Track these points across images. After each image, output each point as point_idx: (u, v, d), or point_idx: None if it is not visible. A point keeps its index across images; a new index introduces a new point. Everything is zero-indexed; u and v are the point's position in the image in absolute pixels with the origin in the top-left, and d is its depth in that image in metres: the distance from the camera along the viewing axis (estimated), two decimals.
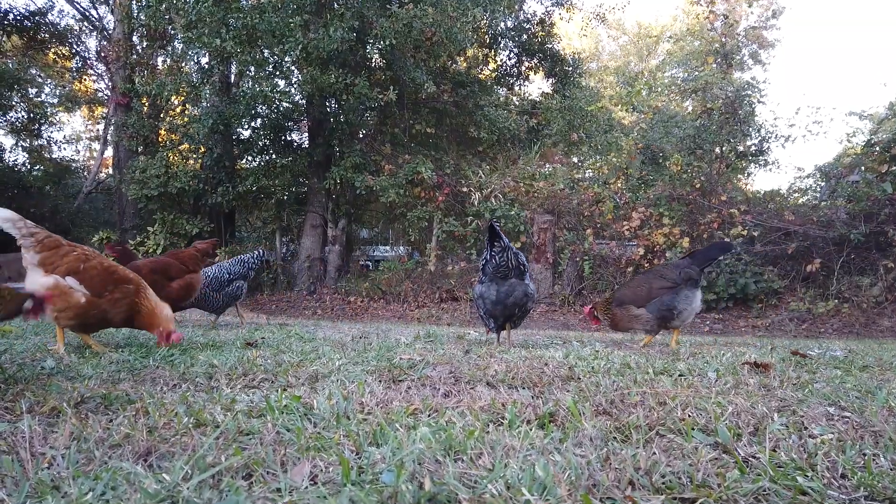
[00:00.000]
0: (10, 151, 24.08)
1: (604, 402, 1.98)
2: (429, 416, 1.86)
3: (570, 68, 18.38)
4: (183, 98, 16.60)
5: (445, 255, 14.50)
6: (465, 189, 14.62)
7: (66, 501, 1.19)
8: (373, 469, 1.38)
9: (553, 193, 13.88)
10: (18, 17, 20.55)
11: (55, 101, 26.27)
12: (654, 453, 1.48)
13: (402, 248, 19.10)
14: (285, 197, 16.69)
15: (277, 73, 14.17)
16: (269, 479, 1.34)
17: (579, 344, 4.26)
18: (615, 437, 1.63)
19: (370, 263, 19.20)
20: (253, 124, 15.68)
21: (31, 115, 24.12)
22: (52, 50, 22.83)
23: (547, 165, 17.96)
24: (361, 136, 16.10)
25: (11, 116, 23.23)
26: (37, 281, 3.19)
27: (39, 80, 24.84)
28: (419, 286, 14.00)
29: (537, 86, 21.33)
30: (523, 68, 18.93)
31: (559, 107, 16.76)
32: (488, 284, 3.82)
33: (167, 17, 13.72)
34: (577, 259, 13.11)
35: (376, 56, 14.17)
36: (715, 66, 15.04)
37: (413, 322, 11.72)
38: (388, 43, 12.87)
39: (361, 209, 17.14)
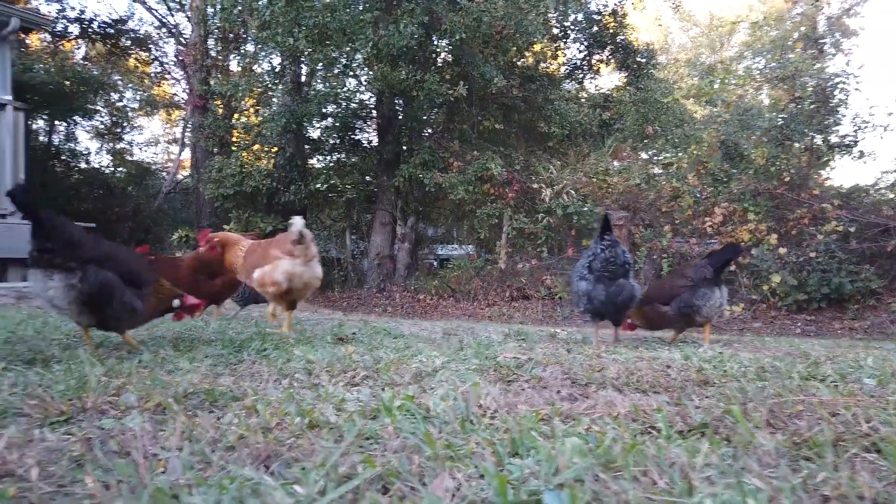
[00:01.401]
0: (96, 154, 25.29)
1: (763, 412, 1.71)
2: (563, 422, 1.65)
3: (644, 59, 17.74)
4: (256, 99, 16.94)
5: (515, 253, 14.23)
6: (535, 185, 14.30)
7: None
8: (525, 486, 1.18)
9: (628, 189, 13.40)
10: (102, 25, 21.54)
11: (136, 105, 27.43)
12: (864, 477, 1.22)
13: (469, 246, 18.94)
14: (355, 195, 16.80)
15: (348, 71, 14.22)
16: (408, 494, 1.16)
17: (685, 344, 3.95)
18: (798, 455, 1.38)
19: (435, 262, 19.12)
20: (324, 123, 15.82)
21: (114, 119, 25.21)
22: (133, 56, 23.82)
23: (615, 162, 17.40)
24: (429, 133, 16.00)
25: (96, 120, 24.31)
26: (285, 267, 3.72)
27: (120, 85, 25.93)
28: (489, 284, 13.79)
29: (608, 79, 20.76)
30: (594, 61, 18.41)
31: (633, 99, 16.18)
32: (594, 284, 3.61)
33: (240, 19, 14.00)
34: (655, 257, 12.61)
35: (444, 52, 14.04)
36: (802, 51, 14.16)
37: (485, 320, 11.52)
38: (457, 38, 12.70)
39: (430, 207, 17.05)
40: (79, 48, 23.64)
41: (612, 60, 18.03)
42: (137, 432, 1.46)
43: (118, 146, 26.45)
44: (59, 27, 20.71)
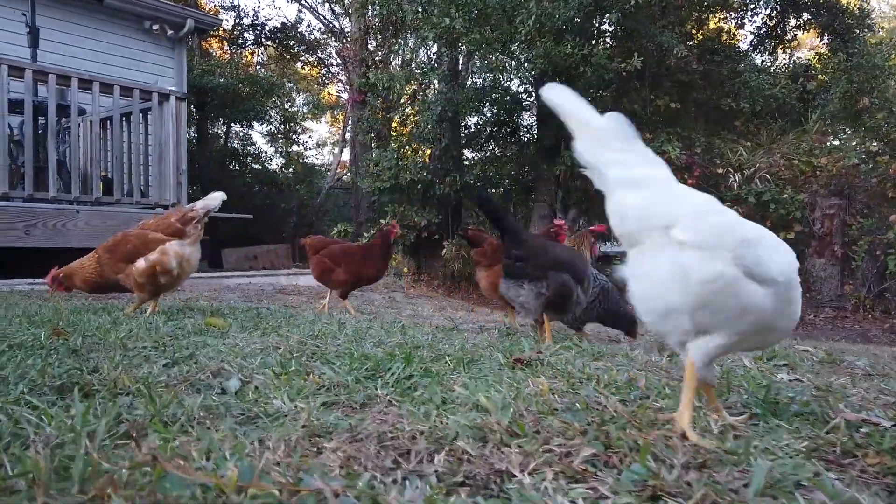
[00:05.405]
0: (272, 156, 26.62)
1: None
2: None
3: (855, 20, 14.88)
4: (413, 91, 16.59)
5: None
6: (720, 170, 12.41)
7: None
8: None
9: (842, 171, 11.10)
10: (273, 30, 22.74)
11: (305, 109, 28.60)
12: None
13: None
14: (512, 187, 15.80)
15: (506, 52, 13.24)
16: None
17: None
18: None
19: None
20: (481, 110, 15.03)
21: (284, 122, 26.33)
22: (302, 59, 24.83)
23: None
24: None
25: (268, 125, 25.49)
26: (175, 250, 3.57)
27: (290, 89, 27.01)
28: None
29: (807, 47, 17.91)
30: (789, 27, 15.83)
31: (842, 66, 13.58)
32: None
33: (397, 4, 13.57)
34: (878, 252, 10.33)
35: (615, 22, 12.63)
36: None
37: None
38: (630, 4, 11.26)
39: (594, 199, 15.58)
40: (259, 56, 25.15)
41: (814, 24, 15.34)
42: None
43: (291, 149, 27.69)
44: (235, 33, 22.08)
